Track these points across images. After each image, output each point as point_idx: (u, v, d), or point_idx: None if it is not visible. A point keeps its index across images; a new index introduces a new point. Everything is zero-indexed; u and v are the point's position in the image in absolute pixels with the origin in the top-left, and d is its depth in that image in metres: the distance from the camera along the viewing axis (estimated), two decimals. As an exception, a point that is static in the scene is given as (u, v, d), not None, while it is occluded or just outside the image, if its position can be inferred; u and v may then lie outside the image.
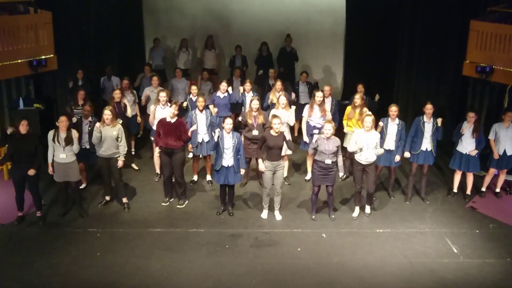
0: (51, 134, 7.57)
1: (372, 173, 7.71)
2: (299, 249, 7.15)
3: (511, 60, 7.95)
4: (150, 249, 7.09)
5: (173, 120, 7.88)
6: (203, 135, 8.52)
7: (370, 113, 7.85)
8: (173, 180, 8.26)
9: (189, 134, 8.00)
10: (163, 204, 8.28)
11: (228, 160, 7.66)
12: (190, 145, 8.50)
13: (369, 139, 7.51)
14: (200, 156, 8.80)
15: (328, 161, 7.46)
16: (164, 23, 13.14)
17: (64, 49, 9.72)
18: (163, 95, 8.65)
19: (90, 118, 8.31)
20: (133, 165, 9.58)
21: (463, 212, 8.24)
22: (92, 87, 10.67)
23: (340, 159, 7.60)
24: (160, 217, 7.97)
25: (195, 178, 9.10)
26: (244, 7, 12.91)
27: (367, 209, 8.01)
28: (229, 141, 7.63)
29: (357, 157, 7.65)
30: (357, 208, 8.00)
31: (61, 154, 7.53)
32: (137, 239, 7.33)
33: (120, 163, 7.87)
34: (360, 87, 9.44)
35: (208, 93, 10.96)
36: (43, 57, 8.28)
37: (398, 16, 11.11)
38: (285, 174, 9.03)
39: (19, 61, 8.00)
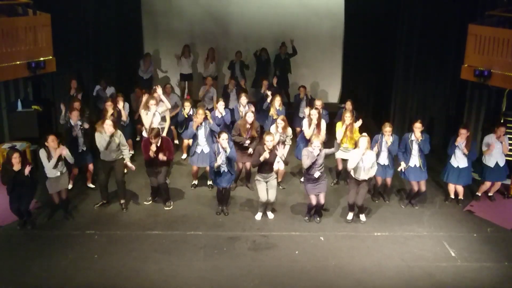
0: (43, 154, 7.53)
1: (364, 188, 7.75)
2: (296, 252, 7.15)
3: (509, 64, 7.95)
4: (147, 252, 7.08)
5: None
6: (203, 146, 8.59)
7: (365, 134, 7.84)
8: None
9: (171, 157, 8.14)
10: (145, 203, 8.38)
11: (223, 166, 7.76)
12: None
13: (365, 161, 7.56)
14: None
15: (317, 174, 7.53)
16: (163, 25, 13.16)
17: (63, 51, 9.71)
18: (152, 103, 8.89)
19: (79, 122, 8.47)
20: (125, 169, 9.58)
21: (461, 215, 8.25)
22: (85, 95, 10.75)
23: (328, 150, 7.72)
24: (158, 219, 7.96)
25: (195, 182, 9.10)
26: (243, 10, 12.93)
27: (362, 217, 8.01)
28: (222, 154, 7.68)
29: (353, 174, 7.70)
30: (350, 213, 8.01)
31: (55, 172, 7.56)
32: (134, 242, 7.32)
33: (128, 164, 8.12)
34: (349, 104, 9.42)
35: (210, 100, 11.12)
36: (41, 59, 8.25)
37: (396, 20, 11.14)
38: (279, 179, 9.02)
39: (18, 62, 7.97)
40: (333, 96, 13.17)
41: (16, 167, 7.18)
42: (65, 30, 10.21)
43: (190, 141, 9.17)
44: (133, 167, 8.23)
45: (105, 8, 11.57)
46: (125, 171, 9.44)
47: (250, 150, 8.42)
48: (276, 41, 12.52)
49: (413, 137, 8.15)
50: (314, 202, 7.72)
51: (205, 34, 12.80)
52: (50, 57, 8.50)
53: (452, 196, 8.64)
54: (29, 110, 9.46)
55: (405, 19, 10.86)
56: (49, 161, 7.50)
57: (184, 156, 10.16)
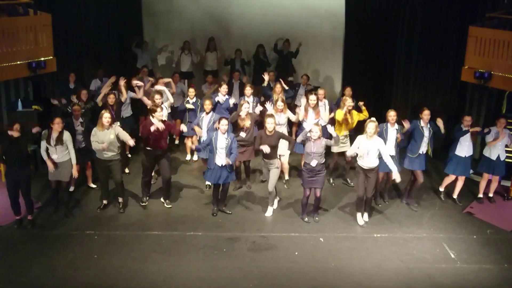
0: (44, 134, 7.62)
1: (373, 178, 7.71)
2: (296, 253, 7.15)
3: (509, 66, 7.97)
4: (147, 252, 7.09)
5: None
6: (203, 137, 8.55)
7: (373, 119, 7.76)
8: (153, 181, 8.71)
9: (179, 131, 8.34)
10: (143, 204, 8.31)
11: (222, 159, 7.73)
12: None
13: (370, 146, 7.50)
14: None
15: (314, 163, 7.50)
16: (164, 26, 13.15)
17: (63, 51, 9.72)
18: (157, 98, 8.66)
19: (80, 119, 8.38)
20: (126, 169, 9.57)
21: (461, 217, 8.25)
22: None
23: (332, 141, 7.67)
24: (157, 220, 7.96)
25: (188, 157, 9.56)
26: (243, 10, 12.92)
27: (365, 217, 7.99)
28: (223, 141, 7.70)
29: (359, 162, 7.65)
30: (359, 215, 7.95)
31: (53, 155, 7.60)
32: (134, 242, 7.32)
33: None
34: (348, 90, 9.47)
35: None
36: (42, 59, 8.28)
37: (397, 21, 11.14)
38: (286, 177, 9.14)
39: (18, 62, 8.01)
40: (334, 97, 13.14)
41: (15, 134, 7.20)
42: (65, 30, 10.22)
43: (192, 140, 9.22)
44: (132, 142, 7.82)
45: (106, 8, 11.57)
46: (127, 170, 9.48)
47: (242, 134, 8.36)
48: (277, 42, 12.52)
49: (422, 123, 8.16)
50: (307, 193, 7.73)
51: (205, 34, 12.77)
52: (51, 57, 8.53)
53: (442, 189, 8.68)
54: (30, 110, 9.44)
55: (405, 20, 10.87)
56: (47, 142, 7.52)
57: (188, 157, 10.17)
